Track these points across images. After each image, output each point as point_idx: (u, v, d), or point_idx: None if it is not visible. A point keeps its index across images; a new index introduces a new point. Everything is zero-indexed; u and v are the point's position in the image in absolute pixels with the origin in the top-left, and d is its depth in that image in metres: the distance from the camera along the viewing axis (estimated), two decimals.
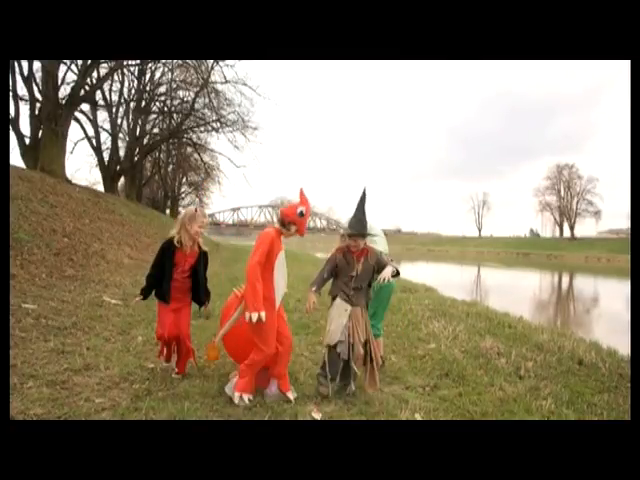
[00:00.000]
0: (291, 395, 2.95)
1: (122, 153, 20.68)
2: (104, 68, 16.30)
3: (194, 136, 23.40)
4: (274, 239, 2.87)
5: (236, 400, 2.80)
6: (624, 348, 4.44)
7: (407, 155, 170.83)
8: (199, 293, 3.32)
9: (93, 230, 9.47)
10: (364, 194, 3.10)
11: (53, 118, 12.40)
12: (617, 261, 39.12)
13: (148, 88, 20.61)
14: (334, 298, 3.15)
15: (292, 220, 2.91)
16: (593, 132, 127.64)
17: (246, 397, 2.84)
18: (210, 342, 3.22)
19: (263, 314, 2.73)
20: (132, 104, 20.32)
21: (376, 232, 3.40)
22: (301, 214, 2.90)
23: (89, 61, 13.13)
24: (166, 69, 20.35)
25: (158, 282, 3.20)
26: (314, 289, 3.06)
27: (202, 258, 3.32)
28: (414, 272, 21.30)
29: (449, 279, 20.76)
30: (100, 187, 20.05)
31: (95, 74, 15.89)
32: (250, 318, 2.71)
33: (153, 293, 3.25)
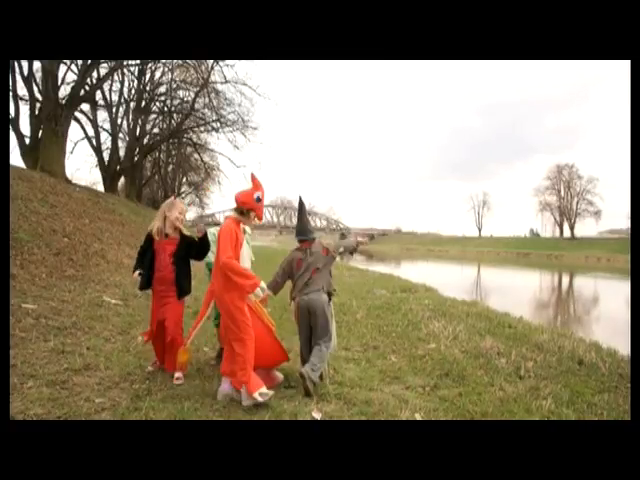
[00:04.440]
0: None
1: (122, 153, 20.65)
2: (104, 68, 16.29)
3: (194, 136, 23.40)
4: (235, 230, 2.89)
5: (260, 399, 2.69)
6: (624, 348, 4.44)
7: (407, 155, 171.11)
8: (178, 281, 3.25)
9: (93, 230, 9.46)
10: (301, 203, 3.40)
11: (53, 118, 12.39)
12: (617, 261, 39.00)
13: (148, 88, 20.61)
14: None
15: (251, 207, 2.93)
16: (585, 131, 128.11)
17: (264, 390, 2.75)
18: (182, 347, 3.16)
19: (263, 283, 2.83)
20: (132, 104, 20.32)
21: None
22: (258, 199, 2.93)
23: (89, 61, 13.12)
24: (166, 69, 20.35)
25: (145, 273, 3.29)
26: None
27: (184, 245, 3.26)
28: (414, 272, 21.27)
29: (449, 279, 20.70)
30: (100, 187, 20.06)
31: (95, 74, 15.88)
32: (257, 294, 2.82)
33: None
